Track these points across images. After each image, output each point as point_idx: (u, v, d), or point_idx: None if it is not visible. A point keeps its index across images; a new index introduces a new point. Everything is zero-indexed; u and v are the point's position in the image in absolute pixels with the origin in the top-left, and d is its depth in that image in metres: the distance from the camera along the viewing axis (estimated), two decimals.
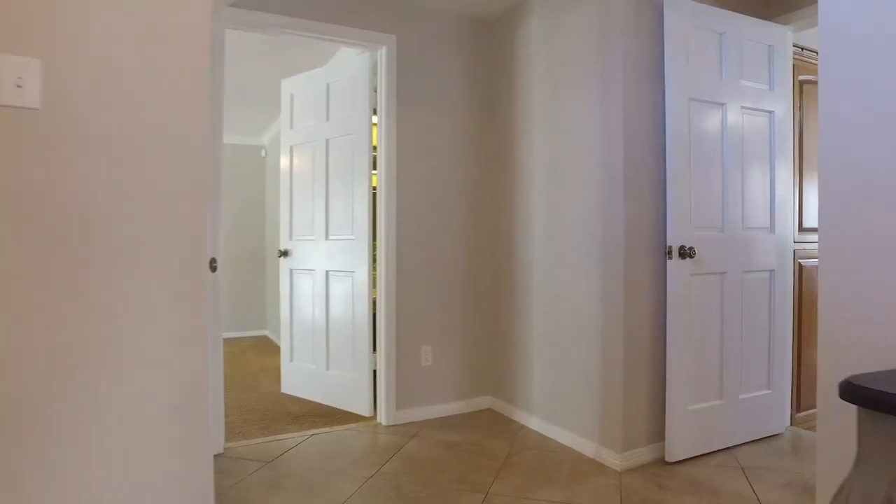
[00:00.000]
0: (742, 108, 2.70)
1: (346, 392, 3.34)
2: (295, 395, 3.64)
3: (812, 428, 3.21)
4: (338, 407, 3.39)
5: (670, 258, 2.48)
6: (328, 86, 3.44)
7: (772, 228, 2.83)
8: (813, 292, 3.15)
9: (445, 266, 3.31)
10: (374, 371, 3.24)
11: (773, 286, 2.83)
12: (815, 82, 3.19)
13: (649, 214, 2.54)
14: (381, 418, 3.15)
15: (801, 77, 3.11)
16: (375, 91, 3.22)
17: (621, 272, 2.47)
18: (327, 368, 3.44)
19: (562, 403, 2.85)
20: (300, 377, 3.59)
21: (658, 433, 2.60)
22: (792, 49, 2.98)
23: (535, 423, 3.05)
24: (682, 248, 2.48)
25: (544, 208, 2.91)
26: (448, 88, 3.34)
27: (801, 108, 3.09)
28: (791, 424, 3.04)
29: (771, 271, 2.83)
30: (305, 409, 3.39)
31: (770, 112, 2.81)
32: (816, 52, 3.24)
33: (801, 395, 3.13)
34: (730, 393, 2.69)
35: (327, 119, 3.45)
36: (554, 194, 2.84)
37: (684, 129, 2.51)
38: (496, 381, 3.41)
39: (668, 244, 2.49)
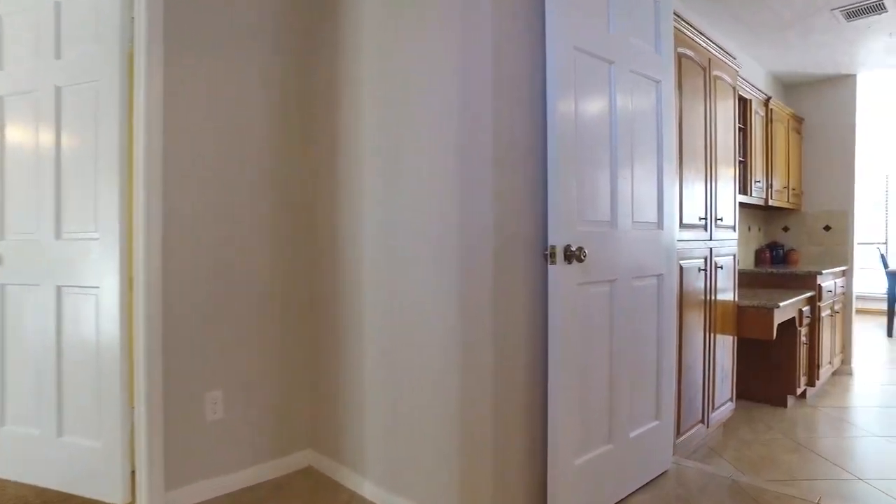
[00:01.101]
0: (631, 70, 2.13)
1: (87, 468, 2.21)
2: (6, 477, 2.39)
3: (692, 456, 2.79)
4: (76, 493, 2.24)
5: (552, 262, 1.81)
6: (58, 5, 2.27)
7: (660, 223, 2.32)
8: (693, 298, 2.74)
9: (242, 278, 2.34)
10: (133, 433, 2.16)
11: (661, 294, 2.32)
12: (692, 58, 2.78)
13: (527, 205, 1.85)
14: None
15: (679, 49, 2.67)
16: (134, 20, 2.15)
17: (489, 284, 1.74)
18: (59, 434, 2.27)
19: (406, 464, 2.05)
20: (16, 450, 2.36)
21: (538, 497, 1.92)
22: (672, 7, 2.50)
23: (369, 489, 2.22)
24: (567, 248, 1.82)
25: (377, 200, 2.10)
26: (248, 23, 2.37)
27: (679, 85, 2.65)
28: (673, 454, 2.58)
29: (659, 276, 2.31)
30: (22, 501, 2.20)
31: (657, 82, 2.29)
32: (692, 26, 2.84)
33: (682, 417, 2.70)
34: (619, 432, 2.11)
35: (57, 57, 2.28)
36: (390, 180, 2.03)
37: (570, 85, 1.85)
38: (317, 431, 2.52)
39: (550, 244, 1.81)
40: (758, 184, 3.94)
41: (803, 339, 3.79)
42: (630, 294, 2.13)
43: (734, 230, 3.27)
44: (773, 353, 3.78)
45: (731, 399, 3.29)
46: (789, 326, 3.69)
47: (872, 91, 6.76)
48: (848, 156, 4.72)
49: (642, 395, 2.24)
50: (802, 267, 4.38)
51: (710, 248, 2.95)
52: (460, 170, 1.80)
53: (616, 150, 2.05)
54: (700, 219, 2.82)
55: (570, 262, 1.82)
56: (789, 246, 4.95)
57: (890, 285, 6.75)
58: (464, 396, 1.81)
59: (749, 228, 4.72)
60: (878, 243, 8.60)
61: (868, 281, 8.65)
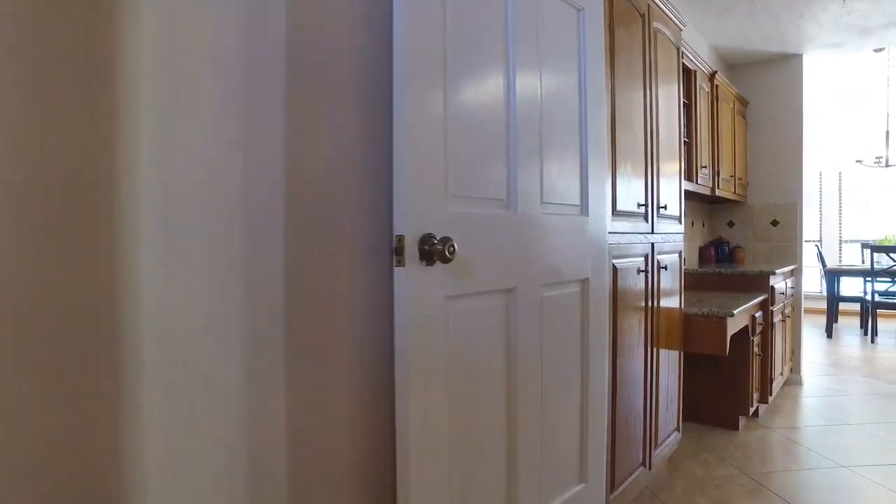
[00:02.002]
0: None
1: None
2: None
3: None
4: None
5: (399, 263, 1.09)
6: None
7: (584, 207, 1.65)
8: (632, 307, 2.10)
9: None
10: None
11: (586, 306, 1.65)
12: None
13: (359, 168, 1.13)
14: None
15: None
16: None
17: (279, 300, 1.00)
18: None
19: None
20: None
21: None
22: None
23: None
24: (425, 241, 1.11)
25: (152, 166, 1.33)
26: None
27: (610, 26, 2.00)
28: None
29: (584, 281, 1.65)
30: None
31: (579, 10, 1.62)
32: None
33: (616, 466, 2.06)
34: None
35: None
36: (163, 135, 1.27)
37: None
38: None
39: (397, 233, 1.10)
40: (704, 170, 3.39)
41: (756, 349, 3.26)
42: (539, 308, 1.45)
43: (679, 222, 2.68)
44: (724, 367, 3.23)
45: (677, 428, 2.69)
46: (741, 336, 3.15)
47: (809, 81, 6.43)
48: (795, 144, 4.28)
49: (560, 450, 1.56)
50: (749, 266, 3.88)
51: (652, 244, 2.33)
52: (242, 111, 1.05)
53: (513, 77, 1.36)
54: (639, 205, 2.19)
55: (429, 262, 1.11)
56: (735, 243, 4.48)
57: (828, 284, 6.48)
58: None
59: (693, 223, 4.20)
60: (814, 241, 8.43)
61: (806, 280, 8.47)
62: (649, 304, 2.29)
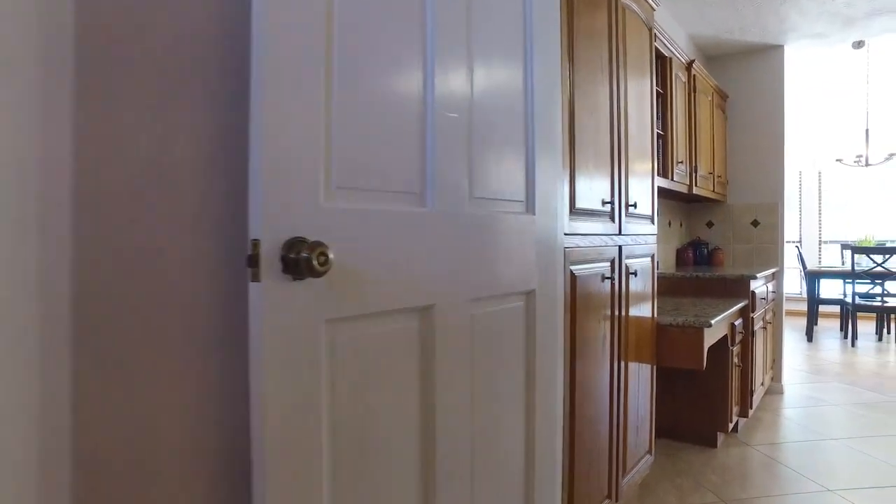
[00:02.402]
0: None
1: None
2: None
3: None
4: None
5: (255, 277, 0.79)
6: None
7: (530, 204, 1.37)
8: (594, 318, 1.83)
9: None
10: None
11: (532, 324, 1.37)
12: None
13: (209, 168, 0.84)
14: None
15: None
16: None
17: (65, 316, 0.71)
18: None
19: None
20: None
21: None
22: None
23: None
24: (292, 246, 0.81)
25: None
26: None
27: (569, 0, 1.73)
28: None
29: (529, 293, 1.36)
30: None
31: None
32: None
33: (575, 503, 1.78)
34: None
35: None
36: None
37: None
38: None
39: (252, 237, 0.80)
40: (680, 166, 3.14)
41: (736, 360, 3.02)
42: (469, 331, 1.17)
43: (652, 222, 2.42)
44: (701, 379, 2.99)
45: (649, 451, 2.43)
46: (720, 346, 2.90)
47: (790, 77, 6.25)
48: (776, 140, 4.06)
49: (500, 498, 1.28)
50: (729, 269, 3.65)
51: (620, 247, 2.06)
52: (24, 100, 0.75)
53: (431, 55, 1.07)
54: (604, 203, 1.92)
55: (298, 276, 0.82)
56: (714, 244, 4.25)
57: (809, 286, 6.31)
58: None
59: (670, 223, 3.96)
60: (794, 242, 8.29)
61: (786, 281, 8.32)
62: (617, 314, 2.02)
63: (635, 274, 2.15)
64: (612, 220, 1.99)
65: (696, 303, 2.97)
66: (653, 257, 2.41)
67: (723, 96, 4.07)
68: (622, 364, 2.07)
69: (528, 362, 1.35)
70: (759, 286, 3.38)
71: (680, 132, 3.15)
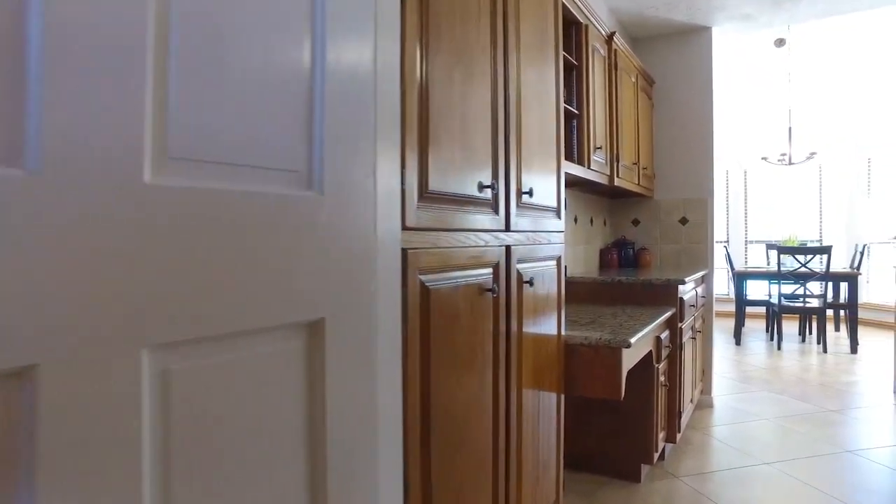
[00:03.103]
0: None
1: None
2: None
3: None
4: None
5: None
6: None
7: (314, 176, 0.81)
8: (468, 344, 1.29)
9: None
10: None
11: (320, 375, 0.81)
12: None
13: None
14: None
15: None
16: None
17: None
18: None
19: None
20: None
21: None
22: None
23: None
24: None
25: None
26: None
27: None
28: None
29: (311, 326, 0.80)
30: None
31: None
32: None
33: None
34: None
35: None
36: None
37: None
38: None
39: None
40: (599, 153, 2.69)
41: (662, 378, 2.59)
42: (146, 410, 0.59)
43: (558, 216, 1.92)
44: (623, 403, 2.54)
45: (556, 501, 1.93)
46: (644, 364, 2.46)
47: (717, 71, 6.04)
48: (705, 130, 3.72)
49: None
50: (656, 271, 3.25)
51: (508, 247, 1.54)
52: None
53: None
54: (482, 188, 1.39)
55: None
56: (641, 244, 3.86)
57: (737, 288, 6.13)
58: None
59: (592, 220, 3.53)
60: (722, 242, 8.21)
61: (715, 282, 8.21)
62: (505, 334, 1.51)
63: (530, 283, 1.64)
64: (496, 210, 1.47)
65: (617, 313, 2.52)
66: (559, 261, 1.92)
67: (649, 81, 3.68)
68: (512, 400, 1.56)
69: (312, 458, 0.79)
70: (688, 292, 2.98)
71: (598, 113, 2.70)
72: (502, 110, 1.50)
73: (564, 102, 2.49)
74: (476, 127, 1.36)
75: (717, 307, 7.90)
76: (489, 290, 1.42)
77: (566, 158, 2.51)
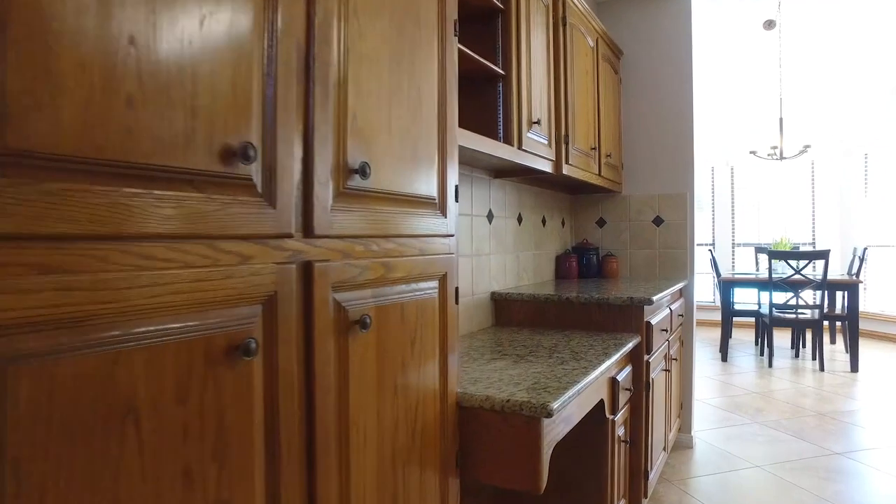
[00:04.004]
0: None
1: None
2: None
3: None
4: None
5: None
6: None
7: None
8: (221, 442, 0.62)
9: None
10: None
11: None
12: None
13: None
14: None
15: None
16: None
17: None
18: None
19: None
20: None
21: None
22: None
23: None
24: None
25: None
26: None
27: None
28: None
29: None
30: None
31: None
32: None
33: None
34: None
35: None
36: None
37: None
38: None
39: None
40: (537, 129, 2.02)
41: (620, 433, 1.92)
42: None
43: (441, 212, 1.24)
44: (566, 465, 1.87)
45: None
46: (595, 415, 1.80)
47: (697, 56, 5.45)
48: (684, 112, 3.07)
49: None
50: (624, 284, 2.60)
51: (306, 265, 0.86)
52: None
53: None
54: (234, 155, 0.71)
55: None
56: (606, 249, 3.20)
57: (723, 296, 5.49)
58: None
59: (544, 220, 2.86)
60: (707, 245, 7.59)
61: (698, 289, 7.59)
62: (299, 417, 0.83)
63: (363, 324, 0.96)
64: (268, 198, 0.78)
65: (558, 345, 1.85)
66: (443, 280, 1.24)
67: (615, 51, 3.02)
68: None
69: None
70: (658, 313, 2.32)
71: (537, 78, 2.03)
72: (285, 37, 0.82)
73: (479, 55, 1.82)
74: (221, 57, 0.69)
75: (701, 316, 7.28)
76: (249, 351, 0.73)
77: (482, 133, 1.83)
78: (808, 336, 5.93)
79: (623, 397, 1.92)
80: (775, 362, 5.18)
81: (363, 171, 0.96)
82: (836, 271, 6.14)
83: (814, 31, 5.59)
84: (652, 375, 2.19)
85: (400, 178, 1.09)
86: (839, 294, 5.86)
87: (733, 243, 7.53)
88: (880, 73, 6.12)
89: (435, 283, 1.22)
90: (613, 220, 3.19)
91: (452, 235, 1.29)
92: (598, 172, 2.66)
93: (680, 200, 3.04)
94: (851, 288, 4.95)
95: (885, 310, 6.35)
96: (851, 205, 6.78)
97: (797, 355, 5.46)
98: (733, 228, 7.51)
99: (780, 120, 5.52)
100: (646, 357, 2.11)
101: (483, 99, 1.91)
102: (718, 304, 6.33)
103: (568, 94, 2.26)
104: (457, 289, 1.30)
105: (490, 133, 1.86)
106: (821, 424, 3.39)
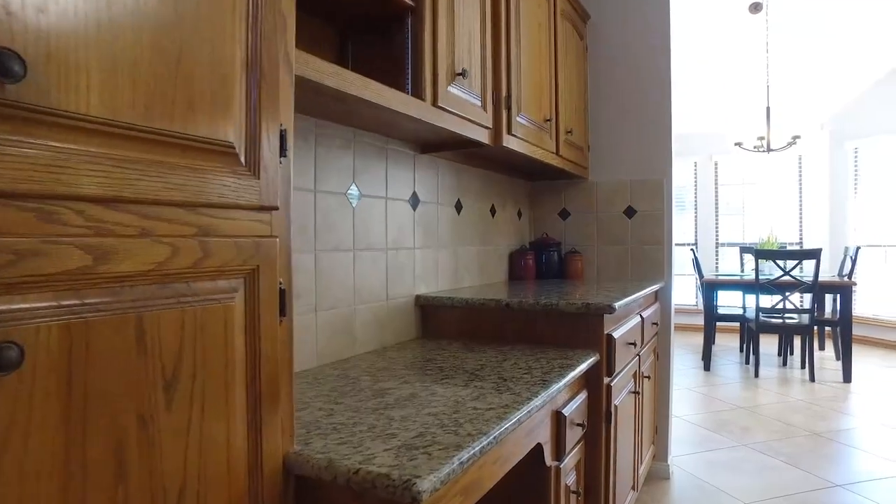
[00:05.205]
0: None
1: None
2: None
3: None
4: None
5: None
6: None
7: None
8: None
9: None
10: None
11: None
12: None
13: None
14: None
15: None
16: None
17: None
18: None
19: None
20: None
21: None
22: None
23: None
24: None
25: None
26: None
27: None
28: None
29: None
30: None
31: None
32: None
33: None
34: None
35: None
36: None
37: None
38: None
39: None
40: (462, 83, 1.55)
41: (569, 483, 1.46)
42: None
43: (251, 168, 0.76)
44: None
45: None
46: (531, 464, 1.33)
47: (677, 40, 5.04)
48: (661, 87, 2.62)
49: None
50: (589, 286, 2.14)
51: None
52: None
53: None
54: None
55: None
56: (570, 245, 2.75)
57: (706, 300, 5.08)
58: None
59: (494, 210, 2.39)
60: (689, 245, 7.19)
61: (680, 292, 7.20)
62: None
63: (9, 364, 0.48)
64: None
65: (486, 367, 1.38)
66: (251, 279, 0.76)
67: (580, 12, 2.57)
68: None
69: None
70: (624, 324, 1.86)
71: (463, 17, 1.56)
72: None
73: None
74: None
75: (683, 321, 6.88)
76: None
77: (390, 84, 1.36)
78: (796, 342, 5.54)
79: (573, 435, 1.46)
80: (762, 371, 4.77)
81: (5, 68, 0.48)
82: (825, 272, 5.76)
83: (802, 14, 5.20)
84: (615, 402, 1.73)
85: (135, 98, 0.61)
86: (829, 297, 5.49)
87: (717, 243, 7.14)
88: (869, 61, 5.76)
89: (234, 284, 0.75)
90: (579, 210, 2.73)
91: (276, 209, 0.81)
92: (555, 151, 2.20)
93: (655, 188, 2.59)
94: (844, 291, 4.55)
95: (877, 314, 5.98)
96: (841, 202, 6.41)
97: (785, 363, 5.06)
98: (717, 227, 7.12)
99: (767, 109, 5.13)
100: (606, 380, 1.65)
101: (392, 49, 1.44)
102: (701, 307, 5.92)
103: (511, 45, 1.79)
104: (283, 292, 0.82)
105: (395, 85, 1.39)
106: (816, 447, 2.96)
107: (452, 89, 1.49)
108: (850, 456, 2.85)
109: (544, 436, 1.29)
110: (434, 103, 1.42)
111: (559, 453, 1.37)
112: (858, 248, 5.10)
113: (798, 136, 5.13)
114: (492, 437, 0.94)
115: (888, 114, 5.83)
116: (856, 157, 6.28)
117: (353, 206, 1.59)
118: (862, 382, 4.37)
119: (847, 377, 4.41)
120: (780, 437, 3.13)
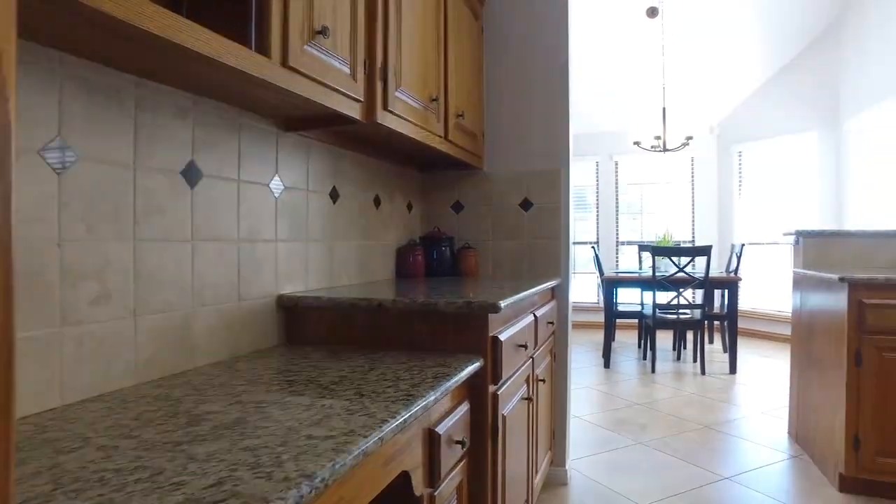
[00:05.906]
0: None
1: None
2: None
3: None
4: None
5: None
6: None
7: None
8: None
9: None
10: None
11: None
12: None
13: None
14: None
15: None
16: None
17: None
18: None
19: None
20: None
21: None
22: None
23: None
24: None
25: None
26: None
27: None
28: None
29: None
30: None
31: None
32: None
33: None
34: None
35: None
36: None
37: None
38: None
39: None
40: (324, 42, 1.31)
41: None
42: None
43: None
44: None
45: None
46: (397, 494, 1.11)
47: (576, 44, 5.07)
48: (558, 75, 2.51)
49: None
50: (477, 285, 1.97)
51: None
52: None
53: None
54: None
55: None
56: (463, 240, 2.58)
57: (606, 297, 5.15)
58: None
59: (378, 201, 2.17)
60: (591, 243, 7.35)
61: (581, 290, 7.35)
62: None
63: None
64: None
65: (346, 380, 1.15)
66: None
67: None
68: None
69: None
70: (514, 325, 1.70)
71: None
72: None
73: None
74: None
75: (585, 318, 7.01)
76: None
77: (234, 38, 1.10)
78: (689, 336, 5.78)
79: (452, 455, 1.26)
80: (658, 366, 4.89)
81: None
82: (715, 269, 6.05)
83: (694, 20, 5.41)
84: (504, 412, 1.56)
85: None
86: (717, 293, 5.76)
87: (617, 241, 7.34)
88: (751, 69, 6.12)
89: None
90: (473, 203, 2.57)
91: None
92: (443, 135, 2.01)
93: (552, 178, 2.48)
94: (731, 286, 4.77)
95: (756, 308, 6.38)
96: (728, 203, 6.79)
97: (679, 357, 5.24)
98: (617, 226, 7.33)
99: (664, 110, 5.29)
100: (492, 388, 1.47)
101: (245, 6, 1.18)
102: (602, 304, 6.03)
103: (390, 7, 1.58)
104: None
105: (239, 39, 1.12)
106: (706, 441, 3.00)
107: (310, 49, 1.25)
108: (737, 447, 2.90)
109: (412, 461, 1.08)
110: (284, 63, 1.17)
111: (433, 479, 1.17)
112: (743, 246, 5.38)
113: (691, 137, 5.32)
114: (318, 479, 0.71)
115: (768, 119, 6.23)
116: (740, 160, 6.67)
117: (192, 188, 1.30)
118: (745, 373, 4.59)
119: (733, 368, 4.61)
120: (675, 432, 3.15)
